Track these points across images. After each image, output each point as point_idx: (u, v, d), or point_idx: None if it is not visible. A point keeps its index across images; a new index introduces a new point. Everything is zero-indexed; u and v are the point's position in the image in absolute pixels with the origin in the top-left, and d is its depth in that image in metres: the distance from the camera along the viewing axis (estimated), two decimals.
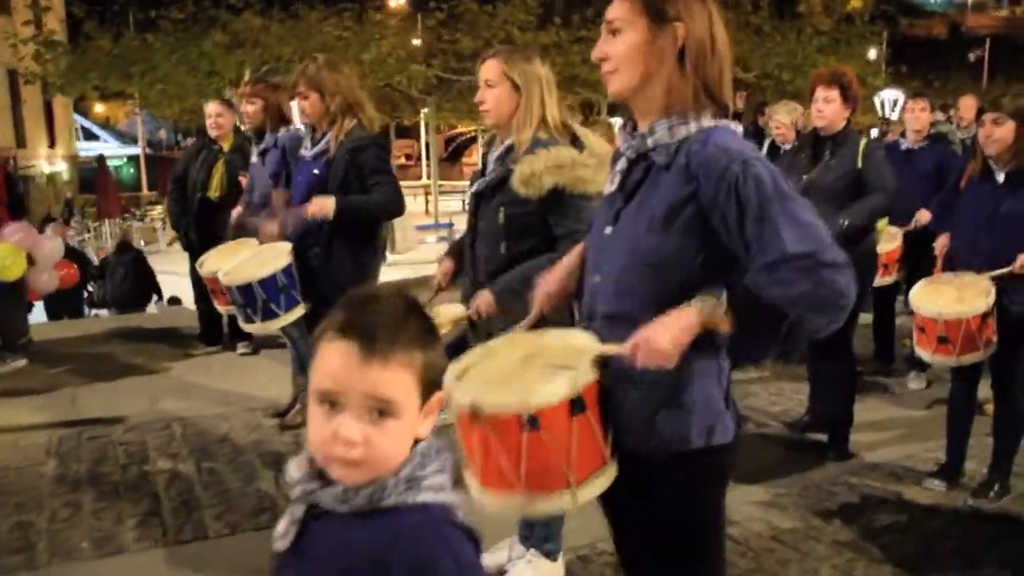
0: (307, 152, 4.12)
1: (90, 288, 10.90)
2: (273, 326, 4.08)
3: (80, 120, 36.48)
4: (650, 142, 1.88)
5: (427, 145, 30.90)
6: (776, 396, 5.60)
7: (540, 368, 1.89)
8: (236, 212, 5.29)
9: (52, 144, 30.41)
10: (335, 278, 4.02)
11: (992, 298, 3.66)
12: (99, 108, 40.45)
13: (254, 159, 5.35)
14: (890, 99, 18.62)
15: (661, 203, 1.84)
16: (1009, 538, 3.77)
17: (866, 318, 5.84)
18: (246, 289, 3.99)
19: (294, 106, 4.77)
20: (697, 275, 1.82)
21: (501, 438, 1.79)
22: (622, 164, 1.95)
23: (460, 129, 40.34)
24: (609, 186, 1.99)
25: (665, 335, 1.73)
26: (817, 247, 1.71)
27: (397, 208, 4.08)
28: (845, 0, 35.49)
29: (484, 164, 3.09)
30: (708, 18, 1.85)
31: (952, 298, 3.76)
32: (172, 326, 7.58)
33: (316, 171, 4.02)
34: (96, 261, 12.43)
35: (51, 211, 21.53)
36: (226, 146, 6.07)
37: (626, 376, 1.83)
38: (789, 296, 1.70)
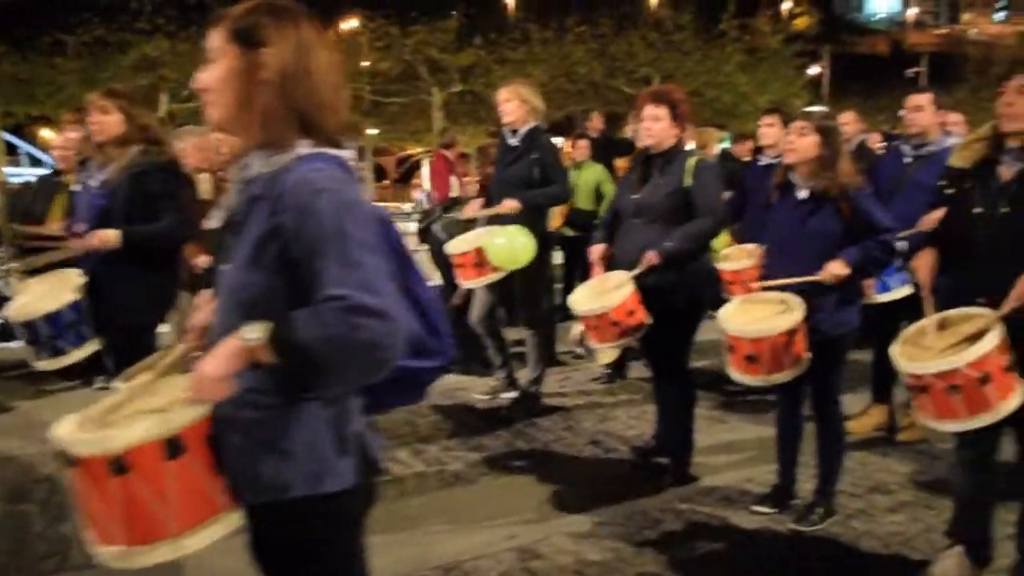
0: (91, 180, 3.94)
1: None
2: (61, 363, 3.87)
3: (26, 146, 35.74)
4: (249, 173, 1.76)
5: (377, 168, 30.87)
6: (636, 419, 5.47)
7: (145, 409, 1.74)
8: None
9: None
10: (128, 308, 3.84)
11: (799, 314, 3.55)
12: (47, 133, 39.65)
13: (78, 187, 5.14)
14: None
15: (252, 238, 1.71)
16: (830, 563, 3.67)
17: None
18: (31, 325, 3.78)
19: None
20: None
21: (92, 483, 1.65)
22: (231, 199, 1.81)
23: (410, 151, 40.30)
24: (217, 222, 1.86)
25: (211, 365, 1.61)
26: (355, 291, 1.58)
27: (183, 234, 3.93)
28: (790, 20, 36.02)
29: None
30: (301, 43, 1.74)
31: (759, 315, 3.66)
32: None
33: (100, 200, 3.84)
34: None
35: None
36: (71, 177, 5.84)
37: (224, 419, 1.69)
38: (318, 336, 1.57)
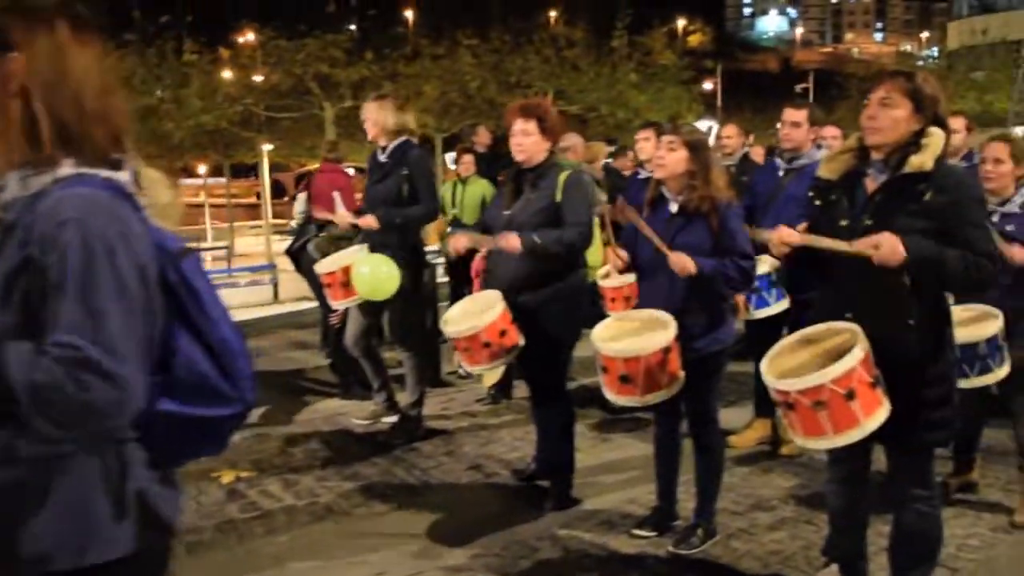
0: None
1: None
2: None
3: None
4: (4, 197, 1.50)
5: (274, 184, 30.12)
6: (520, 441, 5.31)
7: None
8: None
9: None
10: None
11: (672, 332, 3.44)
12: None
13: None
14: (703, 128, 19.25)
15: (3, 272, 1.46)
16: None
17: None
18: None
19: None
20: None
21: None
22: None
23: (309, 167, 39.55)
24: None
25: None
26: (90, 344, 1.37)
27: None
28: (684, 37, 36.77)
29: None
30: (56, 46, 1.50)
31: (630, 334, 3.54)
32: None
33: None
34: None
35: None
36: None
37: None
38: (25, 380, 1.35)
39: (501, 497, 4.51)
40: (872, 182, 2.87)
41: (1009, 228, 3.98)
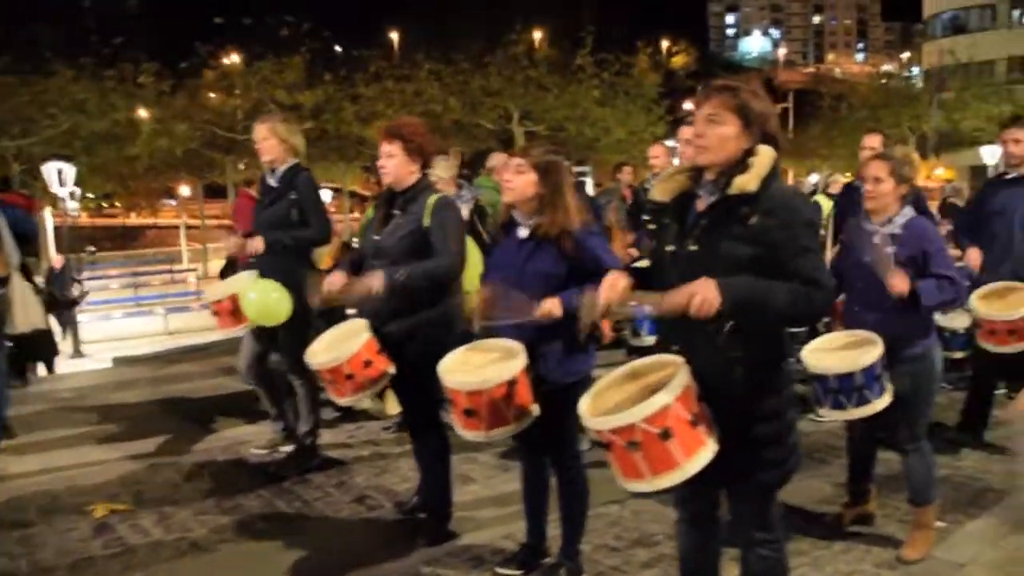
0: None
1: None
2: None
3: None
4: None
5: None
6: (415, 471, 5.09)
7: None
8: None
9: None
10: None
11: (518, 363, 3.29)
12: None
13: None
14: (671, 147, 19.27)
15: None
16: None
17: None
18: None
19: None
20: None
21: None
22: None
23: None
24: None
25: None
26: None
27: None
28: (669, 57, 36.93)
29: None
30: None
31: (480, 365, 3.40)
32: None
33: None
34: None
35: None
36: None
37: None
38: None
39: (378, 531, 4.35)
40: (703, 204, 2.69)
41: (891, 250, 3.86)
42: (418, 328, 3.93)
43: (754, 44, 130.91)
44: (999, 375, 5.70)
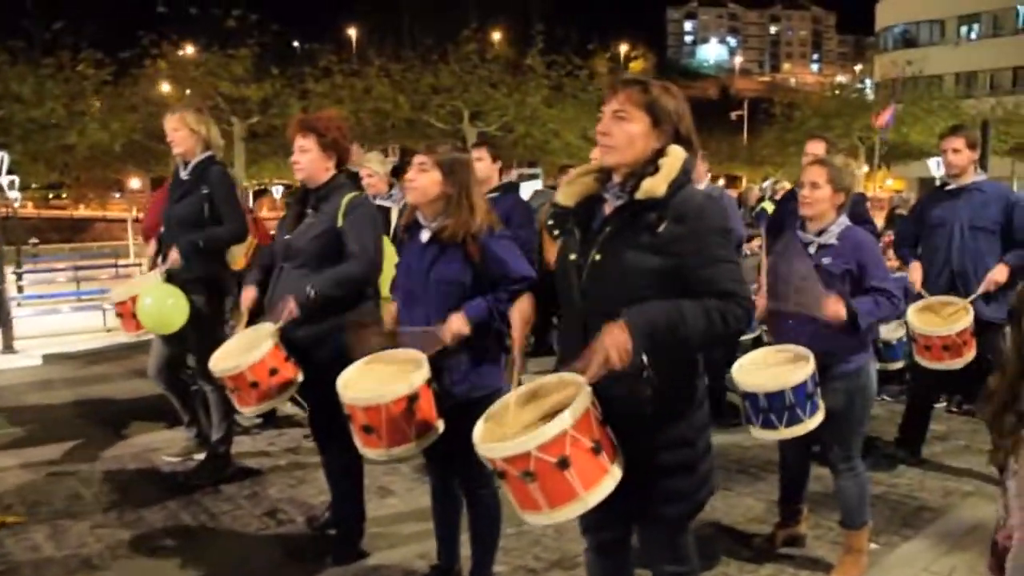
0: None
1: None
2: None
3: None
4: None
5: None
6: None
7: None
8: None
9: None
10: None
11: (419, 377, 3.04)
12: None
13: None
14: None
15: None
16: None
17: None
18: None
19: None
20: None
21: None
22: None
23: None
24: None
25: None
26: None
27: None
28: (626, 62, 36.89)
29: None
30: None
31: (382, 378, 3.16)
32: None
33: None
34: None
35: None
36: None
37: None
38: None
39: (284, 549, 4.09)
40: (609, 209, 2.45)
41: (826, 261, 3.69)
42: (328, 334, 3.69)
43: (711, 52, 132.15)
44: (937, 389, 5.62)
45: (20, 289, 24.46)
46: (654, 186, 2.31)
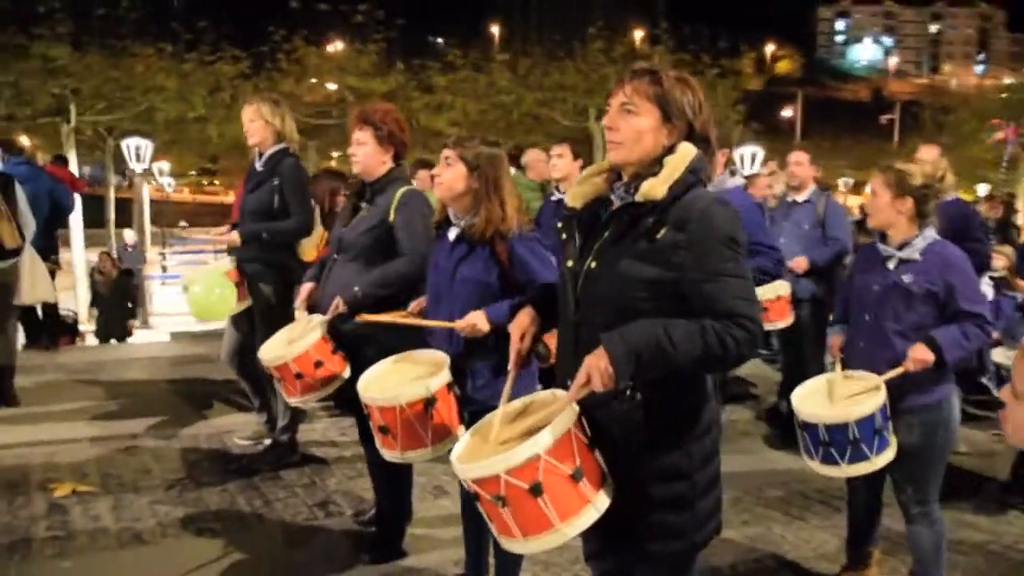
0: None
1: None
2: None
3: None
4: None
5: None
6: None
7: None
8: None
9: None
10: None
11: (438, 380, 2.92)
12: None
13: None
14: (748, 154, 18.63)
15: None
16: None
17: None
18: None
19: None
20: None
21: None
22: None
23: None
24: None
25: None
26: None
27: None
28: (773, 63, 35.88)
29: None
30: None
31: (406, 378, 3.07)
32: None
33: None
34: None
35: None
36: None
37: None
38: None
39: (326, 542, 4.08)
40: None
41: (907, 278, 3.35)
42: (376, 330, 3.64)
43: (864, 52, 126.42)
44: None
45: (164, 269, 25.93)
46: (652, 187, 2.09)
